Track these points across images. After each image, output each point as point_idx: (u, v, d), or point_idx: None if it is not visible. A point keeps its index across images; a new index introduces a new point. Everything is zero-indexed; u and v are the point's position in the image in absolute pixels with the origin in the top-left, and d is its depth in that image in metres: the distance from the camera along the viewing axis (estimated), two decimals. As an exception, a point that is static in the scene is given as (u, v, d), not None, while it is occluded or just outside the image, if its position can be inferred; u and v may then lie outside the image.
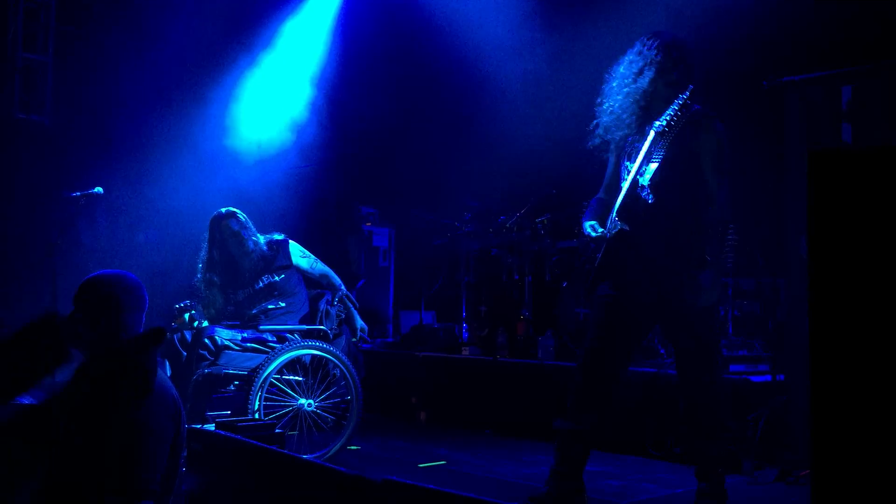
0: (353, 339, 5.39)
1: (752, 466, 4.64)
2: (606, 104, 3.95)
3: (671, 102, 3.71)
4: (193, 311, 5.15)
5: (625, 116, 3.86)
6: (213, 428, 3.41)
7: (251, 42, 8.28)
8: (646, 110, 3.81)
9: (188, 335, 4.97)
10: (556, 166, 6.86)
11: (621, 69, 3.92)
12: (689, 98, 3.67)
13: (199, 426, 3.63)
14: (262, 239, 5.35)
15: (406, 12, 8.19)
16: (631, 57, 3.89)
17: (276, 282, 5.26)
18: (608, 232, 3.75)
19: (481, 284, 7.71)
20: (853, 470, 1.53)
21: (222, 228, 5.26)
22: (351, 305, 5.39)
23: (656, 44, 3.81)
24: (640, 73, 3.81)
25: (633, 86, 3.82)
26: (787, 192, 4.96)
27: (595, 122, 3.99)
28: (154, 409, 2.53)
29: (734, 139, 3.87)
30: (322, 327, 5.20)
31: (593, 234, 3.82)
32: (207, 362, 4.81)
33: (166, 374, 2.61)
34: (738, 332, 5.97)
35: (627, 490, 4.45)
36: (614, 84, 3.93)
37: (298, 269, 5.38)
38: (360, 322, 5.38)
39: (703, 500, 3.70)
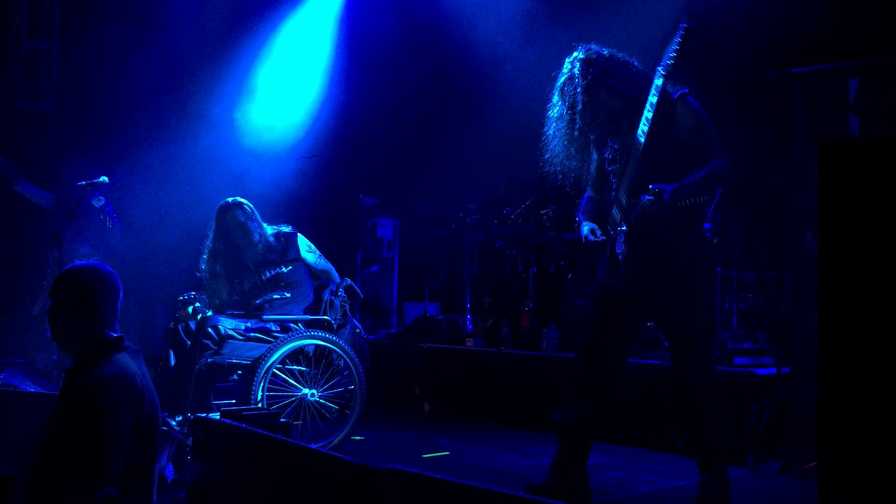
0: (357, 329, 5.40)
1: (755, 459, 4.65)
2: (553, 149, 3.99)
3: (624, 102, 3.76)
4: (197, 304, 5.14)
5: (574, 152, 3.94)
6: (218, 417, 3.42)
7: (257, 34, 8.27)
8: (601, 127, 3.86)
9: (192, 325, 4.98)
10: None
11: (555, 113, 3.96)
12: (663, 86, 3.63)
13: (203, 415, 3.63)
14: (269, 230, 5.35)
15: (412, 4, 8.16)
16: (558, 97, 3.93)
17: (283, 273, 5.26)
18: (616, 226, 3.76)
19: (485, 276, 7.71)
20: (860, 462, 1.53)
21: (228, 219, 5.26)
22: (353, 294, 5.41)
23: (576, 82, 3.82)
24: (574, 108, 3.84)
25: (571, 126, 3.87)
26: (792, 184, 4.94)
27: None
28: (109, 397, 2.59)
29: (738, 131, 3.86)
30: (326, 317, 5.21)
31: (593, 238, 3.84)
32: (211, 352, 4.81)
33: (140, 363, 2.68)
34: (743, 325, 5.96)
35: (630, 481, 4.46)
36: (552, 130, 3.97)
37: (305, 263, 5.39)
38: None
39: (705, 492, 3.71)
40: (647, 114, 3.65)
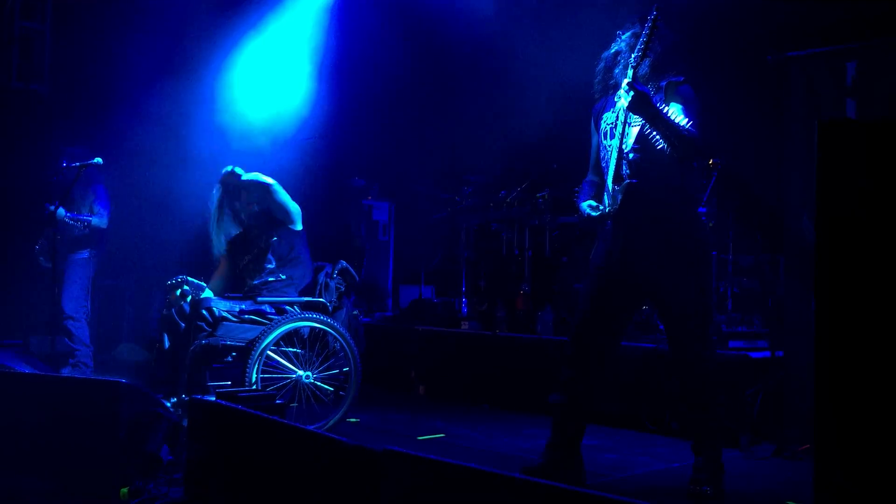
0: (354, 312, 5.40)
1: (750, 441, 4.67)
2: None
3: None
4: (186, 287, 5.14)
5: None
6: (213, 398, 3.41)
7: (251, 14, 8.21)
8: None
9: (186, 307, 4.97)
10: (557, 141, 6.82)
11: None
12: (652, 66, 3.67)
13: (198, 396, 3.63)
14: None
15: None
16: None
17: (273, 243, 5.27)
18: (609, 208, 3.75)
19: (481, 259, 7.70)
20: (855, 445, 1.53)
21: (226, 184, 5.29)
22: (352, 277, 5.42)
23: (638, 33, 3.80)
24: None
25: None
26: (788, 167, 4.94)
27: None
28: None
29: (735, 114, 3.84)
30: (321, 300, 5.20)
31: (594, 213, 3.81)
32: (205, 333, 4.81)
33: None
34: (738, 309, 5.97)
35: (624, 464, 4.47)
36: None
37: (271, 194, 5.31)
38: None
39: (699, 474, 3.72)
40: (623, 103, 3.66)
